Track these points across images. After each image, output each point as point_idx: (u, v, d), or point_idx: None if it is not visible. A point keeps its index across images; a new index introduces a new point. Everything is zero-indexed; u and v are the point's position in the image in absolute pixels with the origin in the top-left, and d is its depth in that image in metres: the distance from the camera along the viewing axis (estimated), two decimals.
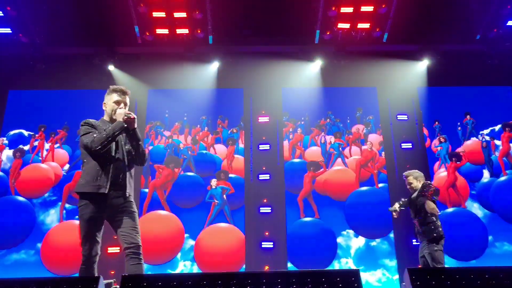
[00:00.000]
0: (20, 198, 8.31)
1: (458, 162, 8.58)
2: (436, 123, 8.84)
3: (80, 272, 3.53)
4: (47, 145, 8.69)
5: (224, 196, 8.39)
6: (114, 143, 3.62)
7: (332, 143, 8.79)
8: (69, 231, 7.97)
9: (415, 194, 5.35)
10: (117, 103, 3.80)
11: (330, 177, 8.54)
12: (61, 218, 8.25)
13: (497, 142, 8.72)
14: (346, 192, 8.47)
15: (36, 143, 8.72)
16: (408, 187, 5.51)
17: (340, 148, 8.75)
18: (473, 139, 8.75)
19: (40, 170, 8.54)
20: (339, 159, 8.71)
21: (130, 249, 3.51)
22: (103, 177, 3.53)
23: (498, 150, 8.67)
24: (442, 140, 8.74)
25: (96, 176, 3.53)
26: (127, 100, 3.86)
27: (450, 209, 8.29)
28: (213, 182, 8.48)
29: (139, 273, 3.46)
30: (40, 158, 8.63)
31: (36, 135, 8.72)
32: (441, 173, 8.57)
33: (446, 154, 8.67)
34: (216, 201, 8.38)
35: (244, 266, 7.95)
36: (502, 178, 8.47)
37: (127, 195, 3.62)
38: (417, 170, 5.60)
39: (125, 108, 3.78)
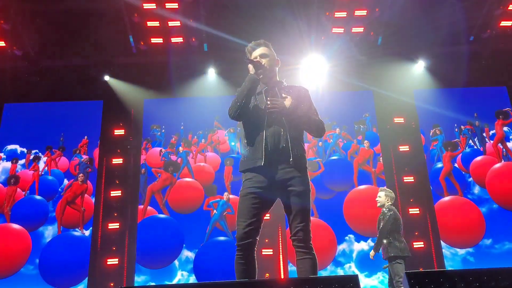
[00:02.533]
0: (15, 226, 8.19)
1: (453, 152, 8.60)
2: (432, 131, 8.82)
3: (235, 263, 2.93)
4: (43, 161, 8.64)
5: (225, 214, 8.31)
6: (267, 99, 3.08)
7: (338, 133, 8.80)
8: None
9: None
10: None
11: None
12: (59, 229, 8.20)
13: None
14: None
15: (31, 158, 8.67)
16: (377, 198, 6.06)
17: (339, 141, 8.76)
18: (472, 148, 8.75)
19: (34, 204, 8.40)
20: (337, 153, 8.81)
21: (293, 241, 2.98)
22: (258, 147, 2.99)
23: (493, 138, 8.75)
24: (438, 132, 8.75)
25: (251, 148, 3.03)
26: (266, 50, 3.24)
27: (446, 198, 8.34)
28: (226, 195, 8.42)
29: (304, 270, 2.89)
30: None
31: (30, 167, 8.61)
32: (437, 165, 8.61)
33: (442, 147, 8.68)
34: (215, 210, 8.31)
35: None
36: (498, 165, 8.49)
37: (291, 164, 2.97)
38: (391, 191, 6.13)
39: (260, 60, 3.16)
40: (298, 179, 2.97)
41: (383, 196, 6.01)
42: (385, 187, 6.34)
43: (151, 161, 8.70)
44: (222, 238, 8.23)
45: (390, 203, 5.99)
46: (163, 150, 8.78)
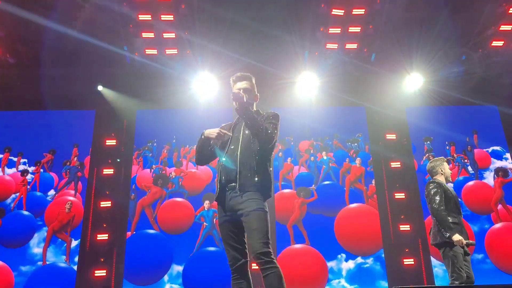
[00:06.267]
0: None
1: None
2: (426, 148, 8.85)
3: (232, 285, 3.19)
4: (31, 175, 8.53)
5: (215, 220, 8.24)
6: (233, 133, 3.35)
7: (324, 157, 8.76)
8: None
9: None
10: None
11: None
12: (44, 260, 7.98)
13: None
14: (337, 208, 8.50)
15: (20, 166, 8.57)
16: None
17: (330, 163, 8.73)
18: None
19: (21, 219, 8.22)
20: (330, 176, 8.74)
21: (254, 261, 3.09)
22: (217, 181, 3.30)
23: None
24: (431, 158, 8.76)
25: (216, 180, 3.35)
26: (249, 85, 3.50)
27: None
28: (206, 204, 8.37)
29: (270, 285, 2.99)
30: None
31: (19, 181, 8.48)
32: None
33: None
34: (205, 223, 8.26)
35: None
36: (498, 225, 8.33)
37: (237, 190, 3.15)
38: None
39: (246, 95, 3.35)
40: (246, 203, 3.12)
41: (447, 168, 5.00)
42: (437, 158, 5.20)
43: (142, 182, 8.61)
44: (212, 248, 8.17)
45: None
46: (153, 166, 8.71)
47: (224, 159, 3.28)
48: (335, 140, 8.93)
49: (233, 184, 3.18)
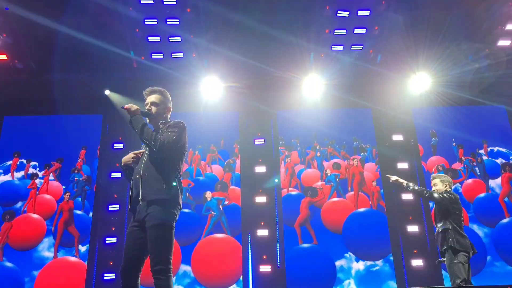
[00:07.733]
0: (9, 264, 7.97)
1: (453, 179, 8.52)
2: (434, 168, 8.77)
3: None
4: (39, 181, 8.57)
5: (221, 206, 8.33)
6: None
7: (329, 175, 8.72)
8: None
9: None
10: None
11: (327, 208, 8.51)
12: (55, 255, 8.06)
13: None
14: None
15: (29, 174, 8.65)
16: (433, 188, 5.31)
17: (337, 179, 8.68)
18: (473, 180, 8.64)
19: (31, 222, 8.27)
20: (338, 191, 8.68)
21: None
22: (130, 193, 3.37)
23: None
24: (440, 169, 8.62)
25: None
26: (150, 99, 3.64)
27: None
28: (208, 194, 8.42)
29: None
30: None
31: (28, 185, 8.53)
32: None
33: None
34: (213, 212, 8.31)
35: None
36: (505, 220, 8.25)
37: (140, 200, 3.19)
38: (446, 175, 5.39)
39: (150, 107, 3.61)
40: (149, 216, 3.12)
41: (439, 184, 5.21)
42: (437, 174, 5.64)
43: None
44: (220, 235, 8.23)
45: (449, 189, 5.16)
46: None
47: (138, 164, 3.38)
48: (342, 151, 8.88)
49: (139, 195, 3.21)
